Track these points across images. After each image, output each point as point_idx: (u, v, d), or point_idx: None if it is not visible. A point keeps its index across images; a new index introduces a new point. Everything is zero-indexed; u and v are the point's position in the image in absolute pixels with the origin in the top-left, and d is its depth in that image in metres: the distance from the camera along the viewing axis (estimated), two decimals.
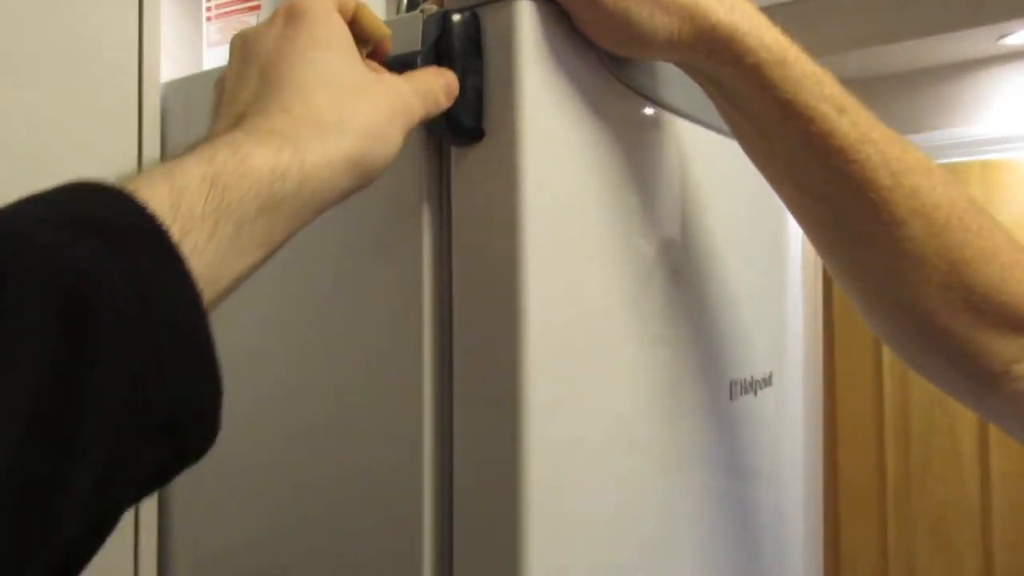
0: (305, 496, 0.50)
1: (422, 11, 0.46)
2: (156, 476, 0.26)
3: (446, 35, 0.43)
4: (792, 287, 0.83)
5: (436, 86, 0.41)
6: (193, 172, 0.28)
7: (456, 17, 0.43)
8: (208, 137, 0.32)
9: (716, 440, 0.61)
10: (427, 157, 0.46)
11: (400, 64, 0.45)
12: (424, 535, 0.45)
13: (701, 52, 0.45)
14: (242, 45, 0.37)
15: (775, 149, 0.47)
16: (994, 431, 2.17)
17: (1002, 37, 1.83)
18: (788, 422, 0.78)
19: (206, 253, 0.27)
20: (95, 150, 0.55)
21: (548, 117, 0.44)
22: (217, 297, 0.29)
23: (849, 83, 0.46)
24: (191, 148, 0.30)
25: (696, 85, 0.49)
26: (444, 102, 0.41)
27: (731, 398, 0.63)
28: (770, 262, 0.76)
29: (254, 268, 0.31)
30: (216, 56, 0.70)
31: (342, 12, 0.39)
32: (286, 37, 0.36)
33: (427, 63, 0.43)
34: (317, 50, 0.36)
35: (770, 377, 0.71)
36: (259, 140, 0.31)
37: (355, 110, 0.35)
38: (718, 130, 0.59)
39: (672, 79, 0.54)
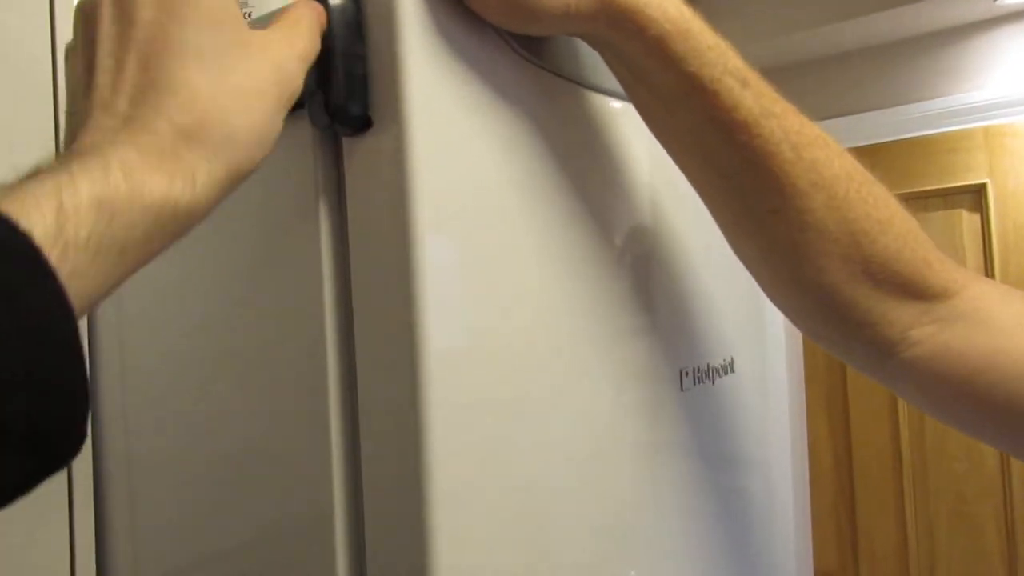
0: (218, 509, 0.49)
1: None
2: (19, 485, 0.26)
3: (328, 22, 0.41)
4: None
5: (309, 21, 0.38)
6: (83, 192, 0.27)
7: (335, 1, 0.41)
8: (92, 138, 0.30)
9: (668, 433, 0.59)
10: (320, 146, 0.44)
11: None
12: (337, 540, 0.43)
13: (602, 23, 0.42)
14: (115, 6, 0.33)
15: (679, 123, 0.45)
16: None
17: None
18: (761, 407, 0.75)
19: (87, 275, 0.27)
20: (14, 127, 0.53)
21: (441, 101, 0.42)
22: (92, 306, 0.28)
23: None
24: (83, 152, 0.29)
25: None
26: (318, 34, 0.38)
27: (682, 388, 0.60)
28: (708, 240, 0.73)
29: (130, 275, 0.30)
30: None
31: None
32: (167, 8, 0.32)
33: None
34: (204, 30, 0.32)
35: (731, 364, 0.68)
36: (151, 165, 0.29)
37: (245, 116, 0.32)
38: None
39: (582, 51, 0.51)
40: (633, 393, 0.55)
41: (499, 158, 0.45)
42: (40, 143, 0.55)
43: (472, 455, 0.42)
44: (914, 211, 0.48)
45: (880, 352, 0.47)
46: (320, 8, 0.39)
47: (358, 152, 0.42)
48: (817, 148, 0.45)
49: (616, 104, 0.55)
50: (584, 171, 0.52)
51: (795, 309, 0.50)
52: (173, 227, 0.30)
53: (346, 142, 0.43)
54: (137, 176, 0.28)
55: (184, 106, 0.30)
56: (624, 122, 0.55)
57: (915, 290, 0.46)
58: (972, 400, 0.44)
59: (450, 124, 0.42)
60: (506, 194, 0.46)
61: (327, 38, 0.41)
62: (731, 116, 0.43)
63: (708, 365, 0.64)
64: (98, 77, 0.32)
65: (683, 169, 0.49)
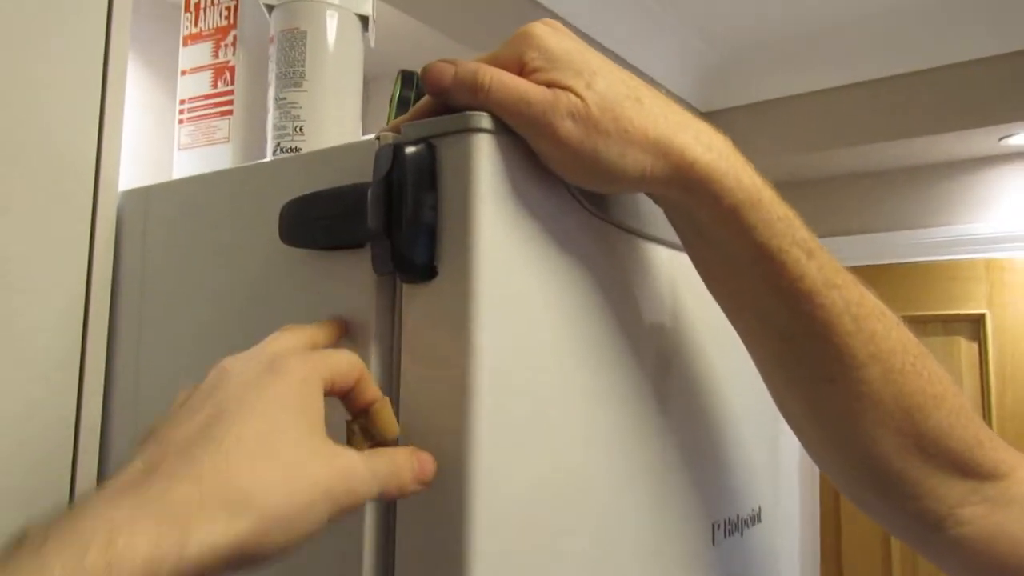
0: None
1: (378, 138, 0.43)
2: None
3: (398, 167, 0.40)
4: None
5: (405, 468, 0.37)
6: None
7: (410, 149, 0.40)
8: (103, 493, 0.30)
9: None
10: (376, 291, 0.43)
11: (349, 195, 0.42)
12: None
13: (676, 188, 0.42)
14: (217, 374, 0.36)
15: (742, 286, 0.45)
16: None
17: (1004, 138, 1.83)
18: (783, 556, 0.72)
19: None
20: (45, 249, 0.52)
21: (507, 254, 0.41)
22: None
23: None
24: (72, 521, 0.28)
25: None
26: (410, 487, 0.37)
27: (713, 543, 0.58)
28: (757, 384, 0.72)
29: None
30: (186, 160, 0.68)
31: (360, 399, 0.38)
32: (258, 384, 0.34)
33: (377, 196, 0.41)
34: (279, 412, 0.33)
35: (759, 513, 0.66)
36: (144, 525, 0.28)
37: (272, 486, 0.31)
38: None
39: (651, 209, 0.51)
40: (669, 547, 0.52)
41: (556, 309, 0.44)
42: (74, 235, 0.54)
43: None
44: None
45: (926, 526, 0.46)
46: (423, 457, 0.38)
47: (419, 300, 0.41)
48: (876, 320, 0.44)
49: (667, 253, 0.54)
50: (635, 320, 0.51)
51: (842, 475, 0.49)
52: None
53: (406, 288, 0.42)
54: (118, 546, 0.27)
55: (221, 457, 0.31)
56: (675, 273, 0.55)
57: (965, 468, 0.45)
58: None
59: (513, 277, 0.41)
60: (560, 344, 0.45)
61: (397, 183, 0.40)
62: (796, 286, 0.43)
63: (738, 516, 0.62)
64: (172, 414, 0.34)
65: (738, 327, 0.48)
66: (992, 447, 0.46)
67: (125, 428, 0.54)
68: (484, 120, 0.40)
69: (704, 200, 0.42)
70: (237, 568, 0.30)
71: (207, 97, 0.66)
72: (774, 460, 0.72)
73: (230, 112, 0.65)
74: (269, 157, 0.62)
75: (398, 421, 0.41)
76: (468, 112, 0.40)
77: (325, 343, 0.41)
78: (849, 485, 0.49)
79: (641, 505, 0.50)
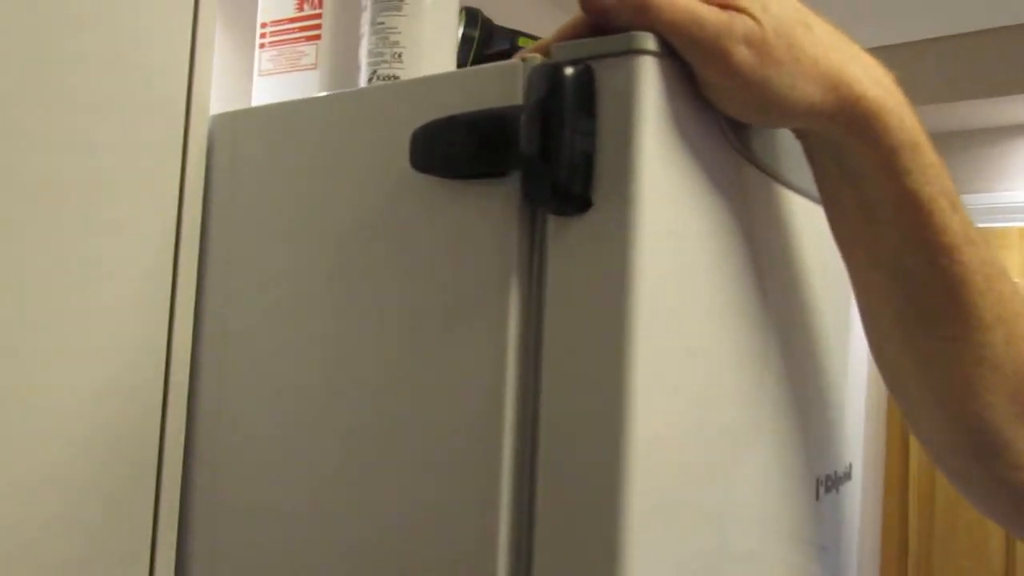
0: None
1: (523, 60, 0.41)
2: None
3: (557, 90, 0.37)
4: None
5: None
6: None
7: (569, 70, 0.38)
8: None
9: (802, 546, 0.55)
10: (519, 224, 0.40)
11: (496, 119, 0.39)
12: None
13: (839, 124, 0.39)
14: None
15: (878, 235, 0.42)
16: None
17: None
18: (866, 515, 0.71)
19: None
20: (134, 182, 0.49)
21: (663, 188, 0.39)
22: None
23: None
24: None
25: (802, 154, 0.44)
26: None
27: (817, 498, 0.56)
28: (842, 343, 0.70)
29: None
30: (267, 87, 0.65)
31: None
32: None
33: (532, 120, 0.38)
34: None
35: (850, 471, 0.65)
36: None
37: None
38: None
39: (786, 151, 0.48)
40: (784, 501, 0.51)
41: (705, 250, 0.42)
42: (163, 188, 0.51)
43: (663, 549, 0.38)
44: None
45: None
46: None
47: (569, 232, 0.39)
48: (1004, 281, 0.42)
49: (799, 200, 0.52)
50: (767, 268, 0.49)
51: (944, 442, 0.47)
52: None
53: (553, 220, 0.39)
54: None
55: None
56: (804, 222, 0.52)
57: None
58: None
59: (669, 213, 0.39)
60: (709, 287, 0.42)
61: (556, 108, 0.37)
62: (938, 238, 0.40)
63: (835, 473, 0.61)
64: None
65: (861, 281, 0.45)
66: None
67: (213, 370, 0.52)
68: (649, 41, 0.37)
69: (865, 138, 0.39)
70: None
71: (292, 20, 0.63)
72: (861, 420, 0.70)
73: (317, 37, 0.62)
74: (363, 84, 0.59)
75: (540, 365, 0.39)
76: (632, 32, 0.37)
77: None
78: (950, 454, 0.47)
79: (763, 458, 0.49)
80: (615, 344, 0.37)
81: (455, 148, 0.41)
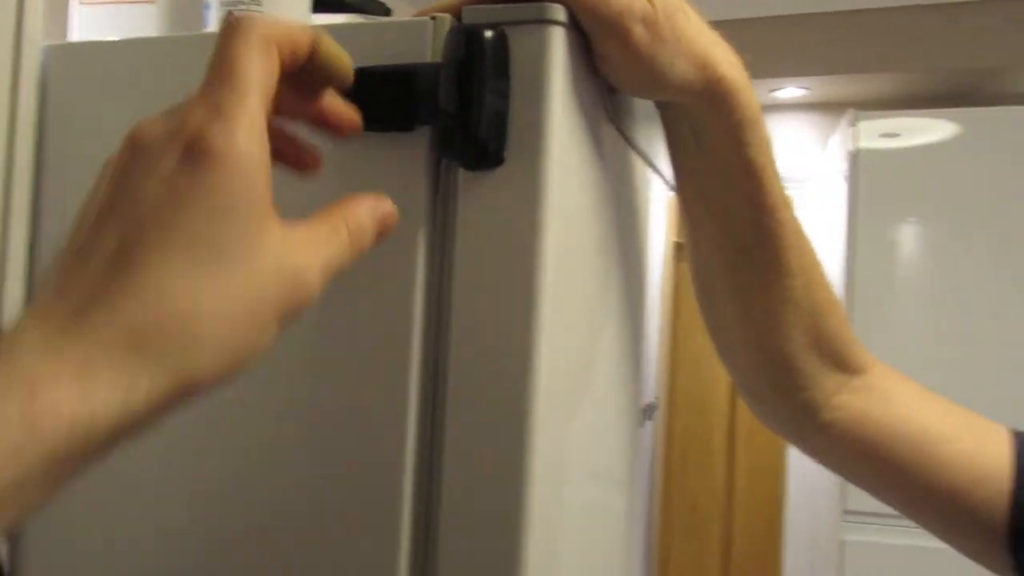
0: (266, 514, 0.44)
1: (433, 19, 0.42)
2: None
3: (477, 51, 0.40)
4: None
5: (367, 226, 0.33)
6: None
7: (488, 33, 0.40)
8: (24, 334, 0.25)
9: (631, 463, 0.63)
10: (427, 177, 0.42)
11: (409, 75, 0.41)
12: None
13: (703, 99, 0.46)
14: (129, 159, 0.28)
15: (722, 197, 0.50)
16: (740, 434, 2.48)
17: (774, 90, 2.10)
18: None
19: None
20: None
21: (568, 150, 0.43)
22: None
23: None
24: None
25: (659, 133, 0.50)
26: (369, 246, 0.33)
27: (641, 425, 0.65)
28: (647, 291, 0.80)
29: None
30: (91, 18, 0.58)
31: (295, 51, 0.31)
32: (176, 190, 0.27)
33: (449, 79, 0.40)
34: (210, 225, 0.27)
35: (656, 402, 0.74)
36: (72, 378, 0.24)
37: (223, 325, 0.27)
38: (664, 179, 0.61)
39: (643, 128, 0.54)
40: (628, 423, 0.59)
41: (587, 207, 0.47)
42: None
43: (555, 458, 0.43)
44: None
45: (807, 412, 0.54)
46: (386, 207, 0.33)
47: (481, 188, 0.41)
48: (804, 238, 0.52)
49: (642, 164, 0.58)
50: (615, 217, 0.55)
51: (750, 371, 0.56)
52: (94, 446, 0.25)
53: (463, 175, 0.42)
54: (41, 401, 0.24)
55: (145, 306, 0.26)
56: (641, 183, 0.59)
57: (842, 363, 0.53)
58: (879, 461, 0.53)
59: (571, 173, 0.43)
60: (586, 233, 0.47)
61: (476, 68, 0.40)
62: (765, 200, 0.49)
63: (650, 404, 0.70)
64: (79, 240, 0.28)
65: (700, 236, 0.53)
66: (858, 348, 0.55)
67: None
68: (560, 12, 0.41)
69: (721, 112, 0.46)
70: (172, 409, 0.27)
71: None
72: (662, 359, 0.81)
73: None
74: (213, 27, 0.55)
75: (450, 311, 0.42)
76: (545, 2, 0.40)
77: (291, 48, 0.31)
78: (753, 380, 0.56)
79: (614, 385, 0.55)
80: (525, 291, 0.40)
81: (365, 101, 0.41)
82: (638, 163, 0.59)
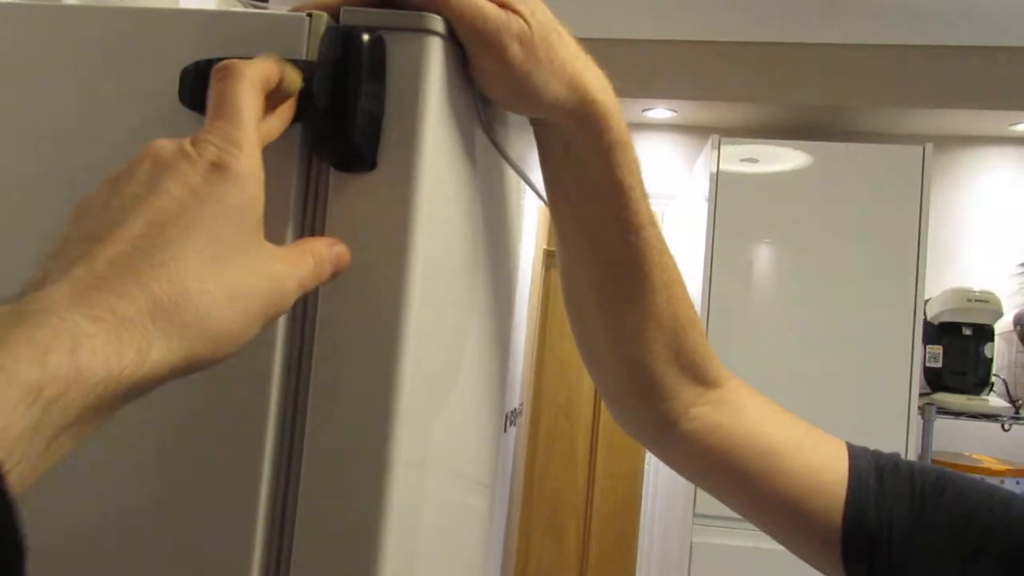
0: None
1: (309, 16, 0.42)
2: None
3: (353, 53, 0.40)
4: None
5: (325, 265, 0.38)
6: (20, 379, 0.25)
7: (365, 37, 0.40)
8: (54, 295, 0.28)
9: (494, 466, 0.64)
10: (297, 174, 0.42)
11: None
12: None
13: (574, 119, 0.48)
14: (152, 166, 0.33)
15: (590, 213, 0.52)
16: (602, 439, 2.56)
17: (645, 110, 2.19)
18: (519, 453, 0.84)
19: (19, 467, 0.25)
20: None
21: (441, 158, 0.43)
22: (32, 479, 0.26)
23: None
24: (32, 316, 0.26)
25: (533, 146, 0.52)
26: (327, 277, 0.38)
27: (505, 430, 0.66)
28: (515, 301, 0.82)
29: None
30: None
31: (266, 83, 0.36)
32: (199, 195, 0.32)
33: (324, 80, 0.40)
34: (224, 226, 0.32)
35: (520, 408, 0.76)
36: (105, 334, 0.27)
37: (226, 312, 0.31)
38: (535, 191, 0.63)
39: (517, 140, 0.56)
40: (490, 427, 0.60)
41: (457, 208, 0.48)
42: None
43: (417, 460, 0.44)
44: None
45: (666, 422, 0.57)
46: (341, 248, 0.39)
47: (350, 190, 0.41)
48: (668, 256, 0.55)
49: (515, 178, 0.60)
50: (484, 226, 0.56)
51: (614, 381, 0.59)
52: (111, 403, 0.28)
53: (335, 175, 0.42)
54: (84, 353, 0.26)
55: (169, 278, 0.30)
56: (513, 196, 0.61)
57: (700, 377, 0.57)
58: (729, 469, 0.57)
59: (442, 180, 0.44)
60: (455, 240, 0.48)
61: (352, 70, 0.40)
62: (631, 218, 0.51)
63: (513, 411, 0.72)
64: (97, 225, 0.31)
65: (568, 250, 0.55)
66: (715, 363, 0.59)
67: None
68: (439, 24, 0.41)
69: (591, 133, 0.48)
70: (177, 377, 0.30)
71: None
72: (527, 365, 0.83)
73: None
74: None
75: (317, 307, 0.41)
76: (425, 13, 0.41)
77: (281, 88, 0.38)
78: (616, 390, 0.59)
79: (479, 389, 0.56)
80: (393, 292, 0.41)
81: None
82: (510, 174, 0.60)
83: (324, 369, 0.41)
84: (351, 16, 0.41)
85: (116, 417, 0.27)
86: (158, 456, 0.42)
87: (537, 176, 0.55)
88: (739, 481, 0.57)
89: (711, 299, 1.97)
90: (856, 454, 0.55)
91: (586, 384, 2.51)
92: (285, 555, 0.41)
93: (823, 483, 0.54)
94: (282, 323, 0.41)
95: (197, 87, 0.41)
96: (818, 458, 0.55)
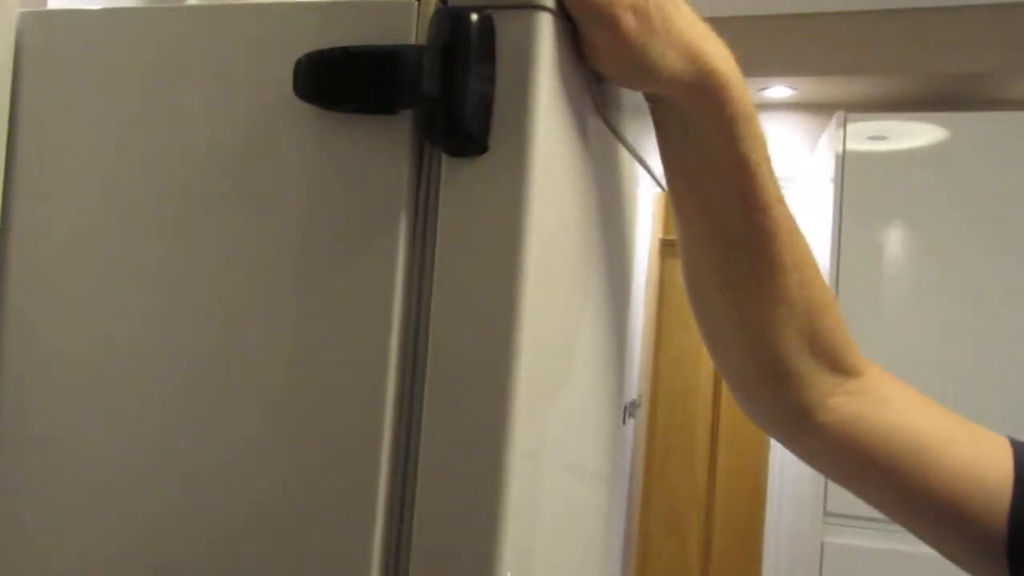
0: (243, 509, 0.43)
1: (418, 1, 0.41)
2: None
3: (462, 35, 0.38)
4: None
5: None
6: None
7: (474, 16, 0.39)
8: None
9: (612, 459, 0.62)
10: (410, 162, 0.41)
11: (393, 56, 0.40)
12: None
13: (693, 92, 0.45)
14: None
15: (712, 192, 0.49)
16: (723, 431, 2.48)
17: (762, 89, 2.09)
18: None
19: None
20: None
21: (554, 138, 0.42)
22: None
23: None
24: None
25: (649, 127, 0.49)
26: None
27: (623, 422, 0.64)
28: (636, 294, 0.79)
29: None
30: None
31: None
32: None
33: (434, 62, 0.39)
34: None
35: (640, 399, 0.74)
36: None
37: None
38: (652, 176, 0.60)
39: (632, 122, 0.54)
40: (609, 420, 0.58)
41: (570, 190, 0.46)
42: None
43: (534, 451, 0.42)
44: None
45: (801, 413, 0.53)
46: None
47: (464, 174, 0.40)
48: (799, 235, 0.51)
49: (628, 157, 0.58)
50: (598, 208, 0.54)
51: (743, 371, 0.55)
52: None
53: (447, 161, 0.41)
54: None
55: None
56: (635, 186, 0.58)
57: (837, 365, 0.53)
58: (873, 465, 0.52)
59: (554, 161, 0.42)
60: (570, 222, 0.47)
61: (460, 51, 0.39)
62: (759, 196, 0.48)
63: (632, 402, 0.69)
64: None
65: (690, 234, 0.52)
66: (854, 350, 0.55)
67: (21, 309, 0.47)
68: None
69: (712, 106, 0.45)
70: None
71: None
72: (647, 356, 0.80)
73: None
74: None
75: (431, 294, 0.41)
76: None
77: None
78: (746, 381, 0.55)
79: (596, 380, 0.55)
80: (507, 279, 0.39)
81: (347, 81, 0.40)
82: (625, 157, 0.58)
83: (439, 357, 0.40)
84: None
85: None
86: (284, 458, 0.42)
87: (654, 159, 0.53)
88: (885, 479, 0.52)
89: (839, 287, 1.86)
90: (1022, 450, 0.50)
91: (704, 375, 2.44)
92: (405, 545, 0.41)
93: (984, 482, 0.49)
94: (396, 310, 0.41)
95: (314, 79, 0.41)
96: (977, 455, 0.50)
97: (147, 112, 0.45)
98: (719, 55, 0.45)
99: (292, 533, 0.42)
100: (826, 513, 1.80)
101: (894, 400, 0.54)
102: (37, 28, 0.47)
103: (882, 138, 1.93)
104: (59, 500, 0.46)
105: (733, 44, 0.47)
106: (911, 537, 0.53)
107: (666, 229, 2.30)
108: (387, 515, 0.41)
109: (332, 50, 0.40)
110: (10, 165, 0.47)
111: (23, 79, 0.47)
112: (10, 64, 0.46)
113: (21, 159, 0.47)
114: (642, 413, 0.69)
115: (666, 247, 2.31)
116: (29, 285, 0.47)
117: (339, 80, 0.40)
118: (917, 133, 1.92)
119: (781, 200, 0.49)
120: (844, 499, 0.56)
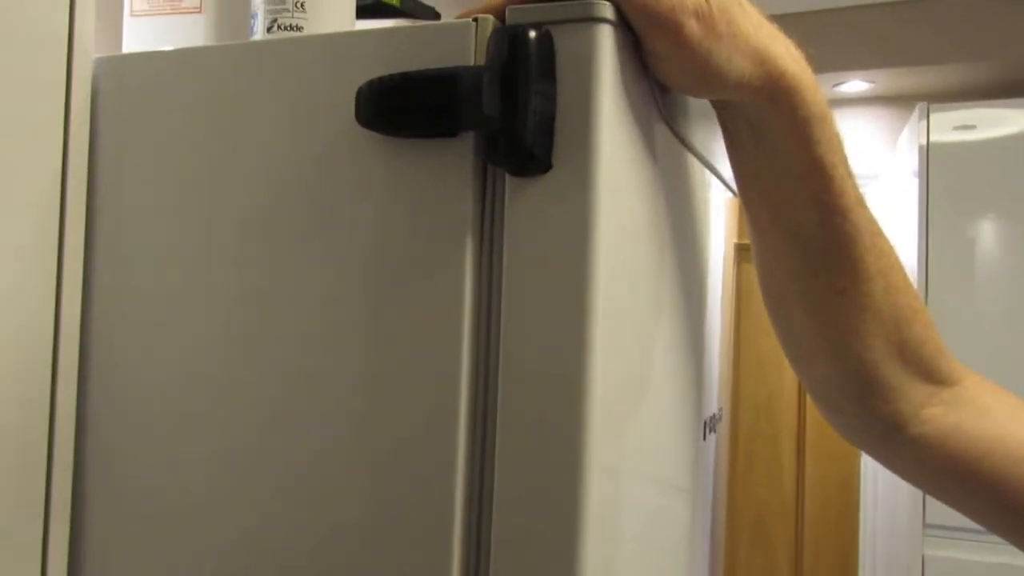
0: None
1: (475, 20, 0.41)
2: None
3: (521, 52, 0.38)
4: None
5: None
6: None
7: (532, 33, 0.38)
8: None
9: (694, 473, 0.60)
10: (473, 184, 0.41)
11: (453, 79, 0.39)
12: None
13: (763, 96, 0.43)
14: None
15: (786, 198, 0.47)
16: (810, 440, 2.39)
17: (837, 85, 2.02)
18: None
19: None
20: (16, 128, 0.44)
21: (616, 152, 0.41)
22: None
23: None
24: None
25: (718, 133, 0.48)
26: None
27: (704, 438, 0.62)
28: (713, 305, 0.77)
29: None
30: (141, 29, 0.59)
31: None
32: None
33: (493, 82, 0.38)
34: None
35: (720, 413, 0.71)
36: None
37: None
38: (723, 182, 0.58)
39: (696, 124, 0.52)
40: (688, 435, 0.56)
41: (639, 206, 0.45)
42: (47, 133, 0.46)
43: (613, 469, 0.41)
44: None
45: (893, 426, 0.50)
46: None
47: (528, 193, 0.40)
48: (883, 238, 0.48)
49: (698, 166, 0.56)
50: (670, 222, 0.52)
51: (828, 383, 0.52)
52: None
53: (510, 181, 0.40)
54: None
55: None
56: (698, 186, 0.57)
57: (930, 374, 0.50)
58: (974, 478, 0.49)
59: (621, 177, 0.41)
60: (640, 240, 0.45)
61: (520, 69, 0.38)
62: (837, 201, 0.45)
63: (712, 416, 0.67)
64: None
65: (765, 242, 0.50)
66: (948, 357, 0.51)
67: (105, 337, 0.48)
68: (608, 10, 0.39)
69: (783, 109, 0.44)
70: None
71: None
72: (727, 368, 0.78)
73: None
74: (259, 35, 0.55)
75: (501, 314, 0.40)
76: (591, 0, 0.39)
77: None
78: (829, 393, 0.52)
79: (674, 396, 0.53)
80: (577, 303, 0.38)
81: (408, 106, 0.40)
82: (695, 165, 0.56)
83: (511, 376, 0.40)
84: (516, 15, 0.40)
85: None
86: (360, 481, 0.42)
87: (724, 165, 0.51)
88: (988, 492, 0.49)
89: (928, 286, 1.77)
90: None
91: (788, 382, 2.36)
92: (484, 560, 0.40)
93: None
94: (466, 330, 0.40)
95: (375, 106, 0.41)
96: None
97: (220, 145, 0.46)
98: (789, 55, 0.43)
99: (369, 554, 0.42)
100: (926, 525, 1.71)
101: (995, 410, 0.50)
102: (113, 72, 0.49)
103: (970, 127, 1.84)
104: (143, 526, 0.47)
105: (803, 41, 0.45)
106: (1017, 550, 0.50)
107: (740, 233, 2.23)
108: (464, 534, 0.40)
109: (392, 76, 0.40)
110: (91, 201, 0.49)
111: (100, 119, 0.49)
112: (87, 106, 0.48)
113: (101, 195, 0.49)
114: (724, 426, 0.67)
115: (741, 251, 2.23)
116: (112, 317, 0.48)
117: (400, 106, 0.40)
118: (1007, 121, 1.82)
119: (861, 202, 0.47)
120: (945, 510, 0.53)
